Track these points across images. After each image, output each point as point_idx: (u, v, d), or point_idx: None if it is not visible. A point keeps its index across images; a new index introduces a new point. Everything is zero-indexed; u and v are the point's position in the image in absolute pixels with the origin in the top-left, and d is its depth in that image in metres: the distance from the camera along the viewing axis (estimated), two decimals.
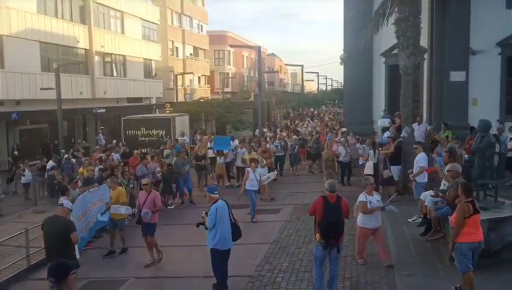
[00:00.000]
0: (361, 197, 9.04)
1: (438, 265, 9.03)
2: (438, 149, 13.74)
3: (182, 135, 23.79)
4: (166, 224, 14.17)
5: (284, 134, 23.45)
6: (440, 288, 8.06)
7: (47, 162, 18.60)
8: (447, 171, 9.73)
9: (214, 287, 8.24)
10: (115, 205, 11.08)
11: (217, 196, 8.33)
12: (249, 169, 13.62)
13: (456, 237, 7.35)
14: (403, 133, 14.87)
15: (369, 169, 15.04)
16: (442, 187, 10.17)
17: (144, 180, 11.38)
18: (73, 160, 18.72)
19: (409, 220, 11.58)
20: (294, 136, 21.85)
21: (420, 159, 12.30)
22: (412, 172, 12.45)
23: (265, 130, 26.27)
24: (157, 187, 15.59)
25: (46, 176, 18.04)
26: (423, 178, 12.06)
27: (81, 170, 15.87)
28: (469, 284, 7.39)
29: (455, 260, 7.54)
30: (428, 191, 10.59)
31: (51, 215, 8.51)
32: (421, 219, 11.02)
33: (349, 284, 8.44)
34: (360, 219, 9.06)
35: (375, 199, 9.07)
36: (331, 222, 7.48)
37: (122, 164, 16.16)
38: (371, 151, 15.40)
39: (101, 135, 31.16)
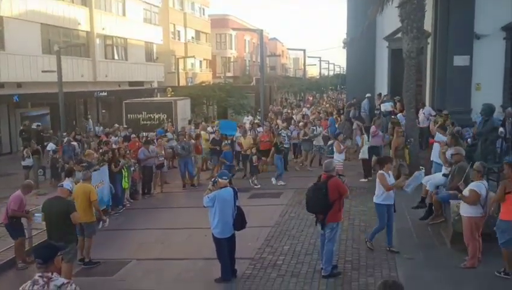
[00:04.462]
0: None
1: (439, 249, 9.05)
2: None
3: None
4: (168, 207, 14.29)
5: (280, 122, 22.15)
6: (441, 272, 8.08)
7: (39, 145, 18.63)
8: (452, 155, 9.67)
9: (216, 281, 8.17)
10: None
11: (225, 181, 8.03)
12: (382, 171, 9.14)
13: (493, 209, 7.53)
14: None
15: (364, 154, 15.00)
16: (444, 171, 10.15)
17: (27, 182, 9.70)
18: (75, 143, 18.73)
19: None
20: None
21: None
22: None
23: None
24: (160, 169, 15.64)
25: (48, 159, 18.14)
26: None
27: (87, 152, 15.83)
28: (506, 259, 7.58)
29: (497, 233, 7.62)
30: (430, 175, 10.54)
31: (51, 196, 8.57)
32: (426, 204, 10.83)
33: (350, 267, 8.46)
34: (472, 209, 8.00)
35: None
36: (308, 197, 8.10)
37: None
38: (365, 136, 15.34)
39: (90, 120, 29.99)
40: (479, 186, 7.90)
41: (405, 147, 13.94)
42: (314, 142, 17.62)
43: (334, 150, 14.67)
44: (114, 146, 15.59)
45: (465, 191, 8.00)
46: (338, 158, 14.09)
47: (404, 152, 14.03)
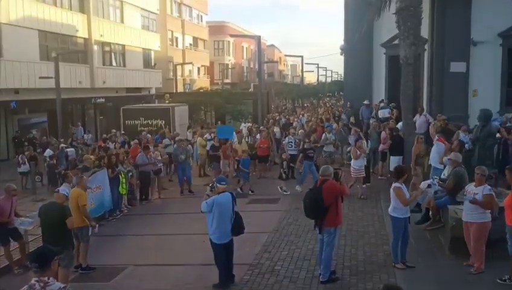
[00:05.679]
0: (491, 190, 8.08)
1: (437, 255, 9.04)
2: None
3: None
4: (166, 213, 14.24)
5: (276, 128, 21.75)
6: (439, 277, 8.07)
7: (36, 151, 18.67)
8: (449, 159, 9.70)
9: (214, 287, 8.14)
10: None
11: (224, 186, 8.05)
12: (398, 185, 8.39)
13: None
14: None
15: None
16: (441, 176, 10.16)
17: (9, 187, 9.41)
18: (68, 149, 18.78)
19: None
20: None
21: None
22: None
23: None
24: (158, 175, 15.61)
25: (45, 165, 18.13)
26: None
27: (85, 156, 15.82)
28: None
29: (508, 241, 7.57)
30: (427, 181, 10.53)
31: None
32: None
33: (348, 273, 8.44)
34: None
35: None
36: (305, 202, 8.10)
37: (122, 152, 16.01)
38: (364, 142, 15.34)
39: (80, 127, 29.04)
40: (491, 190, 7.93)
41: (426, 154, 13.24)
42: (324, 148, 17.46)
43: (351, 156, 14.27)
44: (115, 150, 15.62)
45: (479, 196, 7.86)
46: (355, 165, 13.67)
47: (425, 160, 13.23)
